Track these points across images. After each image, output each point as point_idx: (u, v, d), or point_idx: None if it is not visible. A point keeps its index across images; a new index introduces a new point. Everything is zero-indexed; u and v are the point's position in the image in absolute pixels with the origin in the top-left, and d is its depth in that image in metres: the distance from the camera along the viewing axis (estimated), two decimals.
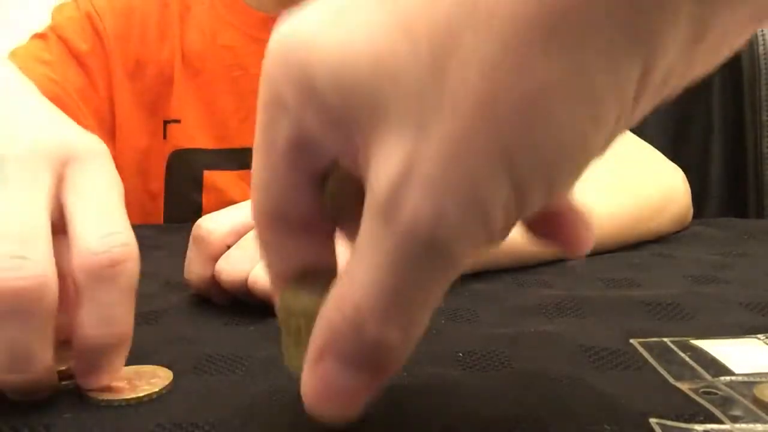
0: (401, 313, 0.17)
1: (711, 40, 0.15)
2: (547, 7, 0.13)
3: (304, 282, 0.21)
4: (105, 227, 0.26)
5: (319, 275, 0.21)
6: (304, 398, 0.19)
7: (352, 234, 0.19)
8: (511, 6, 0.14)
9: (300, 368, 0.20)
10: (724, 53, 0.16)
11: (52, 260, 0.25)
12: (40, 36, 0.70)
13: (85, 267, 0.25)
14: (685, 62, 0.15)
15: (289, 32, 0.18)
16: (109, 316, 0.26)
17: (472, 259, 0.16)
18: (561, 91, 0.14)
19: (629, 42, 0.14)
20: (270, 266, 0.23)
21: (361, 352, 0.18)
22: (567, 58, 0.14)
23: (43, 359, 0.25)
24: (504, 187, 0.15)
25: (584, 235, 0.22)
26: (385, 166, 0.16)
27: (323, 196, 0.21)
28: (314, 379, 0.19)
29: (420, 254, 0.16)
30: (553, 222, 0.22)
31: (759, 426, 0.23)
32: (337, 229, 0.23)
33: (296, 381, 0.19)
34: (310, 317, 0.19)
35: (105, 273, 0.25)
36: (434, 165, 0.15)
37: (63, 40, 0.70)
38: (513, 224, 0.17)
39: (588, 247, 0.22)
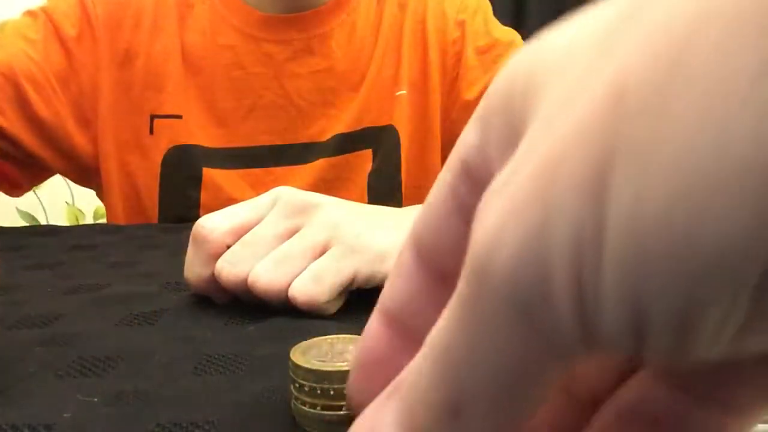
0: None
1: None
2: None
3: (311, 348, 0.25)
4: None
5: (323, 346, 0.26)
6: None
7: None
8: None
9: (305, 424, 0.24)
10: None
11: None
12: (30, 13, 0.70)
13: None
14: None
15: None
16: None
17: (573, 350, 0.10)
18: None
19: None
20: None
21: None
22: None
23: None
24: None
25: None
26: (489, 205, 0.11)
27: None
28: None
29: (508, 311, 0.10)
30: None
31: (759, 426, 0.23)
32: None
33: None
34: (318, 378, 0.23)
35: None
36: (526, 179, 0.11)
37: (52, 22, 0.70)
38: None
39: None
